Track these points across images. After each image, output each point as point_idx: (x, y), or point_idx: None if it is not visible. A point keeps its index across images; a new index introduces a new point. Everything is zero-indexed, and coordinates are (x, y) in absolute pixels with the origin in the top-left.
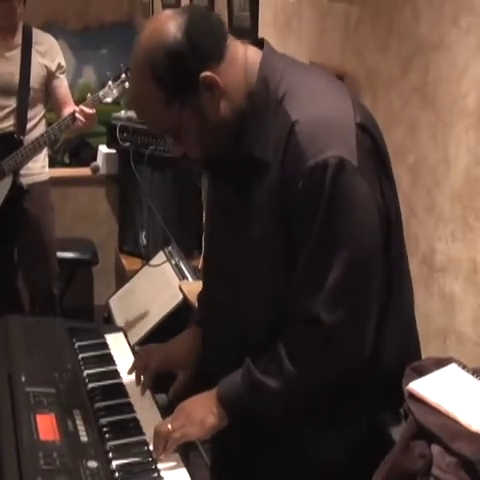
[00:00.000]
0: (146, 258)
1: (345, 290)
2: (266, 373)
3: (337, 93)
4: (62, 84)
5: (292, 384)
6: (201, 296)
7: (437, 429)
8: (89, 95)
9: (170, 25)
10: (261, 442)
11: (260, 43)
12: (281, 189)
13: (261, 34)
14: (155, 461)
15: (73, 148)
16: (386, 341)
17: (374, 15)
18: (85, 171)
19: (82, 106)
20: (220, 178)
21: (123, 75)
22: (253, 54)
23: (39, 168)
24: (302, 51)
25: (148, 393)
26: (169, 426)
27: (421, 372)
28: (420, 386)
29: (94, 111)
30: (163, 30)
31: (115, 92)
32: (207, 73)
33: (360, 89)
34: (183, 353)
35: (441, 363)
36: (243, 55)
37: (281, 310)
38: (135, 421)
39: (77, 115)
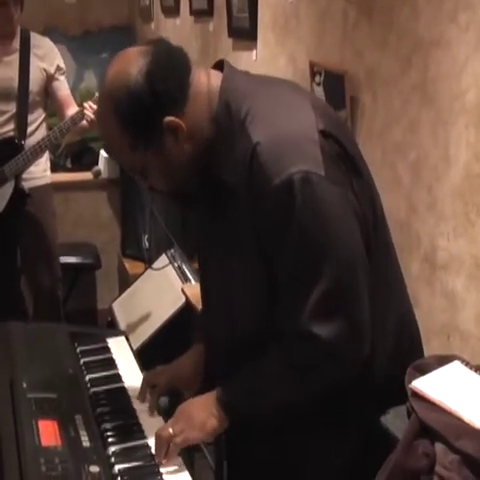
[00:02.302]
0: (149, 261)
1: (334, 301)
2: (267, 379)
3: (297, 105)
4: (62, 86)
5: (293, 391)
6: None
7: (440, 427)
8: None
9: (132, 69)
10: (265, 445)
11: (221, 64)
12: (252, 212)
13: (260, 35)
14: (157, 465)
15: (75, 153)
16: (376, 346)
17: (372, 13)
18: (87, 175)
19: (91, 102)
20: (189, 207)
21: None
22: (215, 79)
23: (41, 172)
24: (301, 51)
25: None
26: (170, 430)
27: (424, 370)
28: (423, 384)
29: None
30: (126, 73)
31: None
32: (170, 118)
33: (360, 88)
34: (188, 373)
35: (444, 360)
36: (205, 85)
37: (269, 321)
38: (137, 425)
39: (86, 111)
